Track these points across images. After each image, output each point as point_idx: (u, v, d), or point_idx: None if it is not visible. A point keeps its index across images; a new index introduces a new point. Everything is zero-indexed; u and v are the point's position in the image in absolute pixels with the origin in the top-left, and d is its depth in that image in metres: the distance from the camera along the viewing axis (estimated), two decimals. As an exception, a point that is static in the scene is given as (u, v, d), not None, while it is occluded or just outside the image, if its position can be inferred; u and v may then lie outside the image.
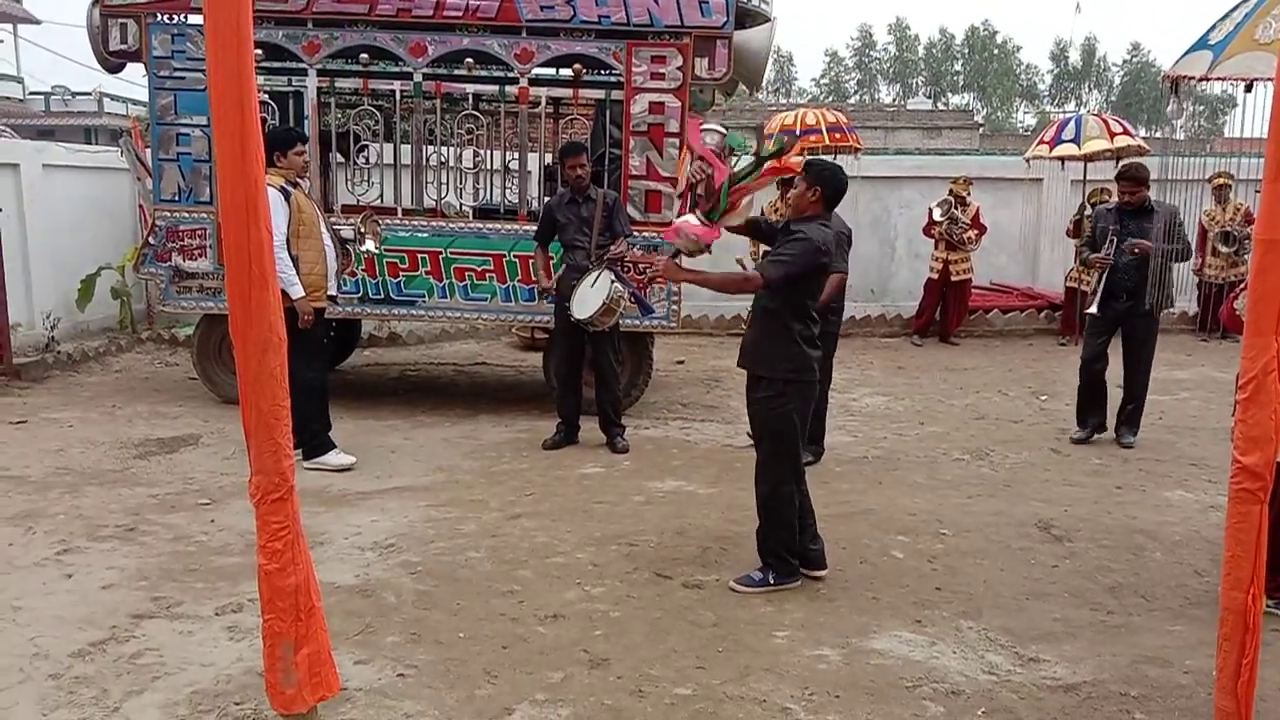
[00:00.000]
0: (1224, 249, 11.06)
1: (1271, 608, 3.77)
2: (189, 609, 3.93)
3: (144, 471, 5.78)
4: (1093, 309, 6.70)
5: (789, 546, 4.28)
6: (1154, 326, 6.63)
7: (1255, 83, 3.67)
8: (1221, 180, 10.90)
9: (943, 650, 3.69)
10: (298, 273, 5.61)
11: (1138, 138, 10.75)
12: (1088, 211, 10.46)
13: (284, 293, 5.19)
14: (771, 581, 4.24)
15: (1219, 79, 3.75)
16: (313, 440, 5.81)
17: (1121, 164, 7.37)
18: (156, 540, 4.68)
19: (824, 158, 4.87)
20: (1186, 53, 4.02)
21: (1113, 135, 10.29)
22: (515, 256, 7.13)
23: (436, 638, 3.71)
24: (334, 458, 5.84)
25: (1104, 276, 6.62)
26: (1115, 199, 7.18)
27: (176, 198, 7.16)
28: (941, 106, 63.50)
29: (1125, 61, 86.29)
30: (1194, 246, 10.87)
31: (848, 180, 4.29)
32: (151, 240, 7.27)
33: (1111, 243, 6.55)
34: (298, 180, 5.78)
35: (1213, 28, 3.93)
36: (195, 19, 6.94)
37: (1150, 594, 4.25)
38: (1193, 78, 3.85)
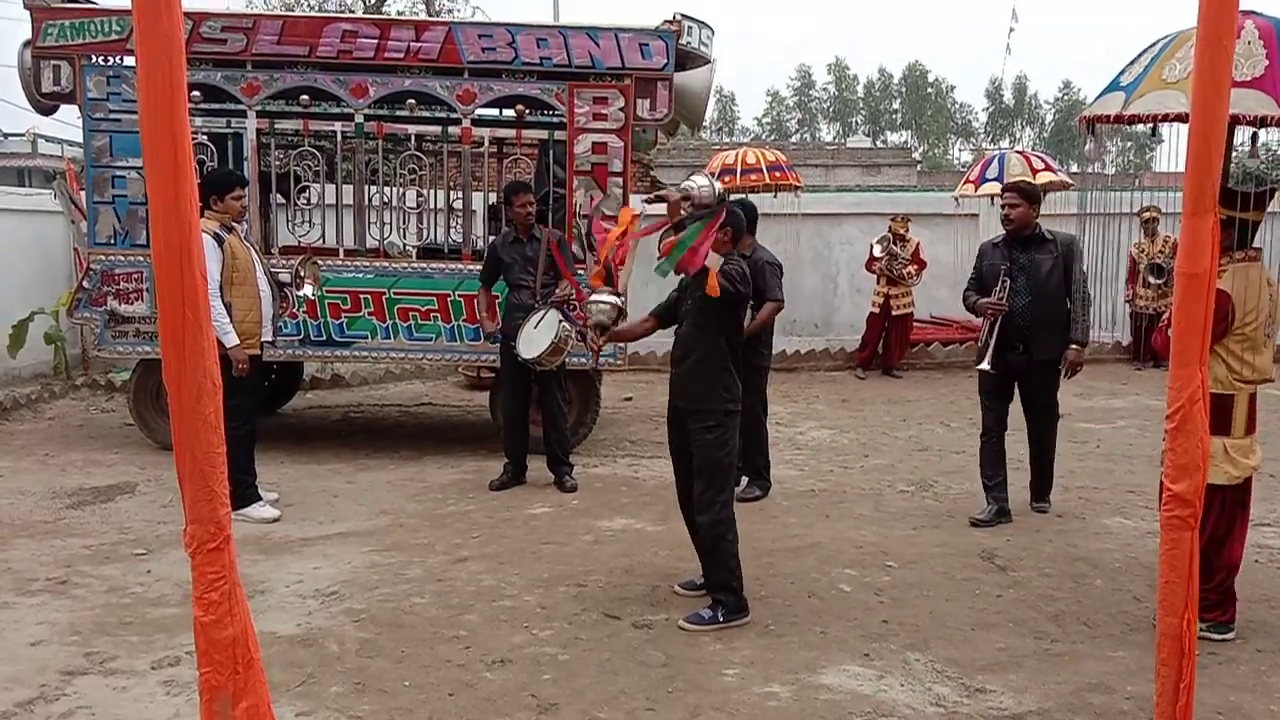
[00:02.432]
0: (1154, 280, 11.38)
1: (1205, 631, 3.84)
2: (123, 664, 3.81)
3: (77, 522, 5.61)
4: (985, 364, 5.61)
5: (737, 576, 4.30)
6: (1055, 380, 5.70)
7: (1160, 123, 3.84)
8: (1150, 214, 11.26)
9: (891, 683, 3.70)
10: (231, 320, 5.51)
11: (1061, 173, 11.07)
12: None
13: (218, 341, 5.10)
14: (721, 619, 4.22)
15: (1132, 116, 3.89)
16: (235, 490, 5.65)
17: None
18: (90, 593, 4.54)
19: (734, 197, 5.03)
20: (1101, 94, 4.19)
21: (1035, 172, 10.58)
22: (460, 296, 7.10)
23: (381, 686, 3.63)
24: (258, 510, 5.70)
25: (995, 325, 5.57)
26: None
27: (112, 241, 7.04)
28: (880, 144, 64.88)
29: (1057, 99, 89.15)
30: (1125, 278, 11.30)
31: (753, 206, 4.49)
32: (86, 284, 7.12)
33: (1004, 284, 5.54)
34: (234, 225, 5.70)
35: (1123, 71, 4.11)
36: (131, 60, 6.86)
37: (1092, 621, 4.31)
38: (1108, 117, 3.99)
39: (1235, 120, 3.79)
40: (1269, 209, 4.08)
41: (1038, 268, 5.51)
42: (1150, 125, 3.98)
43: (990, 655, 3.95)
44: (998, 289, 5.53)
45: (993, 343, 5.56)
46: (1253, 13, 3.82)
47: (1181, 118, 3.66)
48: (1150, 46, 4.04)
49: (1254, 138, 4.09)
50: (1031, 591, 4.66)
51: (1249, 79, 3.71)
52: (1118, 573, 4.91)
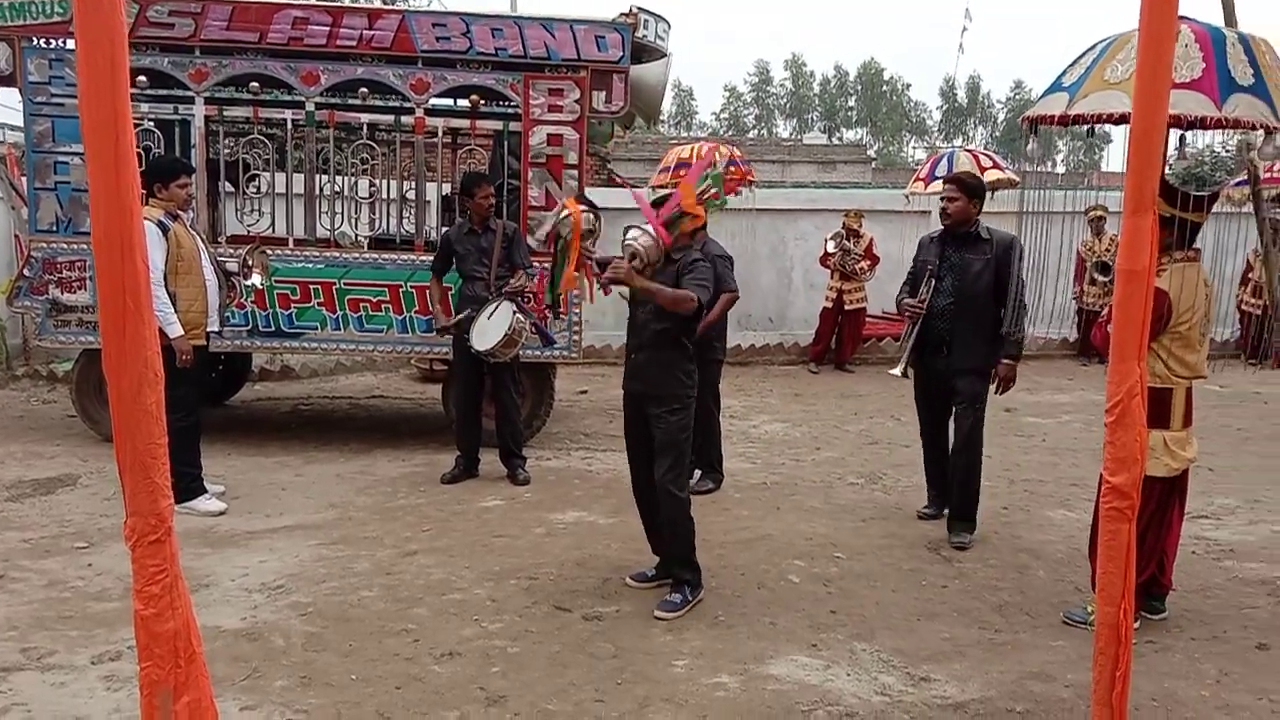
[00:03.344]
0: (1101, 278, 11.60)
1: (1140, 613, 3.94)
2: (62, 659, 3.73)
3: (16, 514, 5.48)
4: (896, 369, 5.28)
5: (694, 547, 4.45)
6: (979, 389, 5.20)
7: (1103, 123, 3.91)
8: (1097, 213, 11.49)
9: (837, 673, 3.75)
10: (176, 310, 5.41)
11: (1010, 171, 11.25)
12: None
13: (161, 331, 5.01)
14: (690, 598, 4.36)
15: (1077, 116, 3.96)
16: (180, 483, 5.56)
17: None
18: (28, 587, 4.44)
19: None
20: (1044, 95, 4.26)
21: (983, 170, 10.74)
22: (412, 287, 7.04)
23: (327, 680, 3.60)
24: (203, 503, 5.61)
25: (915, 326, 5.22)
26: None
27: (54, 228, 6.88)
28: (836, 141, 65.40)
29: (1009, 98, 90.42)
30: (1072, 276, 11.51)
31: None
32: (27, 272, 6.95)
33: (928, 283, 5.17)
34: (179, 213, 5.59)
35: (1064, 72, 4.18)
36: (73, 43, 6.70)
37: (1035, 611, 4.39)
38: (1053, 118, 4.06)
39: (1177, 121, 3.89)
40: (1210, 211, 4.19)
41: (966, 267, 5.12)
42: (1088, 126, 4.06)
43: (935, 645, 4.02)
44: (922, 287, 5.20)
45: (909, 346, 5.22)
46: (1187, 18, 3.91)
47: (1125, 118, 3.73)
48: (1091, 48, 4.12)
49: (1181, 139, 4.20)
50: (976, 582, 4.74)
51: (1188, 81, 3.81)
52: (1059, 564, 5.00)
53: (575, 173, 7.03)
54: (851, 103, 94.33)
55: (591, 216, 4.66)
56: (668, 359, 4.35)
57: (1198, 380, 4.13)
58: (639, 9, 7.06)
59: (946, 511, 5.47)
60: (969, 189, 5.20)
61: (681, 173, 10.32)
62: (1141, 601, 4.12)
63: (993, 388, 5.21)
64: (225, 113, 7.15)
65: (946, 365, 5.20)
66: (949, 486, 5.43)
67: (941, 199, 5.31)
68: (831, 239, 11.11)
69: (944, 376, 5.24)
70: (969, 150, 11.72)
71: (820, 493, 6.29)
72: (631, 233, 4.26)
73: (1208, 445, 7.10)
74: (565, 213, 4.65)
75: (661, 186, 10.22)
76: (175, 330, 5.35)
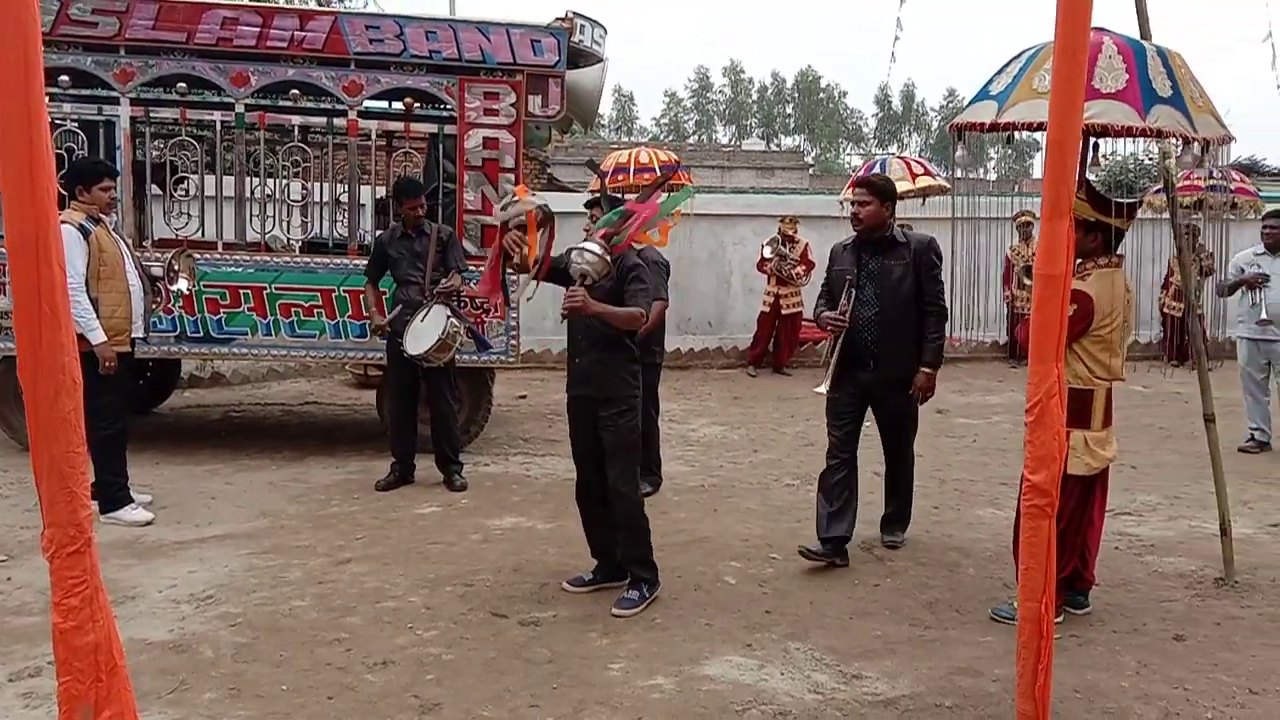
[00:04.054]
0: (1028, 282, 11.83)
1: (1063, 607, 4.04)
2: (-23, 676, 3.61)
3: (-71, 528, 5.30)
4: (822, 387, 4.96)
5: (650, 546, 4.53)
6: (909, 400, 5.05)
7: (1032, 131, 4.02)
8: (1025, 218, 11.76)
9: (771, 672, 3.79)
10: (98, 316, 5.28)
11: (940, 177, 11.49)
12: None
13: (83, 338, 4.89)
14: (648, 595, 4.43)
15: (1007, 124, 4.06)
16: (106, 492, 5.43)
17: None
18: (-59, 603, 4.29)
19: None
20: (971, 102, 4.36)
21: (914, 176, 10.97)
22: (345, 291, 6.95)
23: (257, 692, 3.54)
24: (130, 513, 5.48)
25: (839, 341, 4.92)
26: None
27: (-30, 231, 6.65)
28: (774, 147, 66.06)
29: (943, 106, 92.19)
30: (1000, 280, 11.78)
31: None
32: (-59, 277, 6.72)
33: (849, 295, 4.88)
34: (101, 216, 5.45)
35: (991, 80, 4.28)
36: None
37: (963, 608, 4.49)
38: (981, 125, 4.16)
39: (1105, 130, 4.01)
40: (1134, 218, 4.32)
41: (887, 274, 4.87)
42: (1007, 133, 4.16)
43: (867, 642, 4.08)
44: (842, 300, 4.89)
45: (833, 362, 4.90)
46: (1107, 30, 4.04)
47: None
48: (1017, 57, 4.22)
49: (1095, 148, 4.32)
50: (907, 580, 4.82)
51: (1113, 91, 3.92)
52: (988, 561, 5.12)
53: (512, 176, 7.00)
54: (789, 110, 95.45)
55: (543, 208, 4.54)
56: (613, 361, 4.38)
57: (1117, 382, 4.25)
58: (574, 14, 7.07)
59: (836, 556, 4.96)
60: (881, 192, 4.92)
61: (620, 178, 10.39)
62: (1065, 596, 4.23)
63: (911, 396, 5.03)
64: (152, 114, 6.99)
65: (874, 378, 4.93)
66: (888, 492, 5.40)
67: (852, 204, 5.00)
68: (768, 245, 11.25)
69: (870, 390, 4.99)
70: (900, 157, 11.95)
71: (757, 494, 6.35)
72: (577, 255, 4.24)
73: (1130, 444, 7.33)
74: (515, 199, 4.48)
75: (597, 192, 10.25)
76: (98, 336, 5.22)
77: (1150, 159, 18.01)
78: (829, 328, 4.95)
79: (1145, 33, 4.43)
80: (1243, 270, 7.53)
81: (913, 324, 4.92)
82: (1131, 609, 4.47)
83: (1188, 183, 8.27)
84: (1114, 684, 3.71)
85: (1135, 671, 3.82)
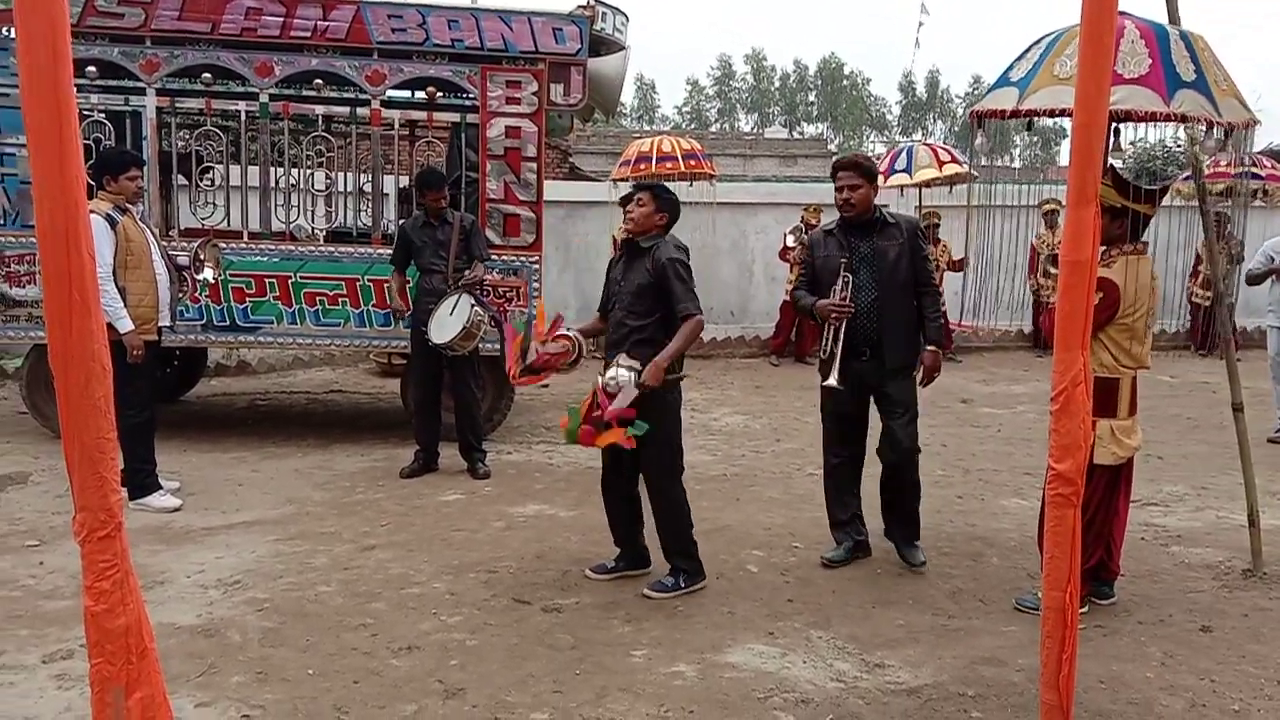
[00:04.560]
0: (1054, 270, 11.77)
1: (1088, 598, 4.02)
2: (11, 658, 3.68)
3: (-37, 514, 5.39)
4: (832, 379, 4.65)
5: (695, 542, 4.54)
6: (913, 388, 4.79)
7: (1055, 117, 3.98)
8: (1050, 206, 11.66)
9: (794, 660, 3.79)
10: (125, 305, 5.33)
11: (966, 165, 11.38)
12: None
13: (111, 326, 4.94)
14: (683, 585, 4.43)
15: (1028, 111, 4.01)
16: (134, 479, 5.49)
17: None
18: (-24, 587, 4.37)
19: (666, 184, 5.02)
20: (991, 89, 4.30)
21: (941, 164, 10.86)
22: (369, 280, 6.99)
23: (284, 676, 3.58)
24: (159, 499, 5.55)
25: (840, 330, 4.64)
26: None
27: (1, 221, 6.75)
28: (797, 135, 65.69)
29: (967, 93, 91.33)
30: (1026, 267, 11.68)
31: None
32: (-27, 266, 6.81)
33: (846, 281, 4.63)
34: (128, 206, 5.50)
35: (1011, 67, 4.22)
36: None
37: (987, 598, 4.47)
38: (1003, 112, 4.11)
39: (1128, 116, 3.96)
40: (1160, 204, 4.27)
41: (882, 256, 4.66)
42: (1027, 119, 4.12)
43: (889, 631, 4.07)
44: (839, 287, 4.64)
45: (839, 351, 4.64)
46: (1129, 14, 3.98)
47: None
48: (1037, 43, 4.16)
49: (1116, 133, 4.27)
50: (930, 570, 4.80)
51: (1136, 76, 3.87)
52: (1012, 551, 5.09)
53: (534, 165, 7.01)
54: (812, 98, 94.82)
55: (573, 346, 4.67)
56: (649, 357, 4.31)
57: (1142, 371, 4.21)
58: (596, 2, 7.06)
59: (859, 551, 4.94)
60: (868, 173, 4.69)
61: (642, 167, 10.37)
62: (1090, 586, 4.20)
63: (918, 378, 4.81)
64: (178, 104, 7.05)
65: (874, 368, 4.69)
66: (890, 507, 4.98)
67: (839, 188, 4.70)
68: (791, 233, 11.18)
69: (869, 381, 4.74)
70: (928, 144, 11.84)
71: (779, 483, 6.35)
72: (611, 380, 4.27)
73: (1158, 434, 7.26)
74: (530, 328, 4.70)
75: (622, 180, 10.24)
76: (125, 325, 5.28)
77: (1178, 145, 17.80)
78: (832, 316, 4.65)
79: (1174, 18, 4.36)
80: (1272, 259, 7.43)
81: (911, 306, 4.74)
82: (1157, 600, 4.44)
83: (1216, 170, 8.16)
84: (1139, 675, 3.68)
85: (1161, 662, 3.79)
